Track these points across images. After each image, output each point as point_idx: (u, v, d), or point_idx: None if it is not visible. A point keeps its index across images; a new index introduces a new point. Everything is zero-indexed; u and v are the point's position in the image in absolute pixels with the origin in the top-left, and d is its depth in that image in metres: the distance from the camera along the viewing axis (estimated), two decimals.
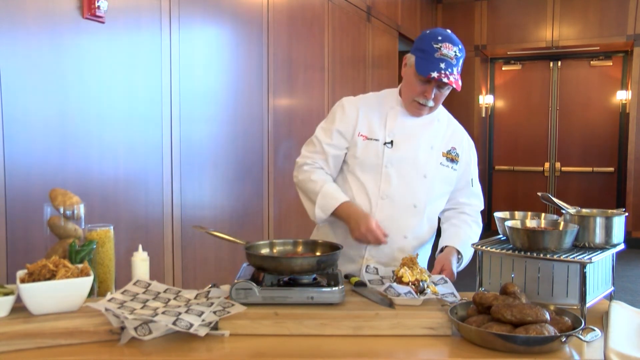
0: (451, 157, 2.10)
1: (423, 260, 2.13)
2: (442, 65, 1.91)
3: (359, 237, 1.97)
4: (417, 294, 1.61)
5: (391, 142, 2.05)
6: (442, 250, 2.05)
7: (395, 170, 2.04)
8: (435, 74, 1.91)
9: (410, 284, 1.65)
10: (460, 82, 1.98)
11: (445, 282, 1.76)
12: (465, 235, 2.07)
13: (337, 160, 2.11)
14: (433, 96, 1.99)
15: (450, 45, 1.94)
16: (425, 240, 2.13)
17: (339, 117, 2.09)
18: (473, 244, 1.70)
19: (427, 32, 2.01)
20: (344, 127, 2.08)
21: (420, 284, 1.67)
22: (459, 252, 2.02)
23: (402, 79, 2.09)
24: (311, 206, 2.07)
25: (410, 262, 1.75)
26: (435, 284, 1.74)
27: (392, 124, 2.06)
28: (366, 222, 1.95)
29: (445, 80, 1.91)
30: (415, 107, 2.04)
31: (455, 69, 1.94)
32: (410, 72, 2.00)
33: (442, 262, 1.97)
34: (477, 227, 2.14)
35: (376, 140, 2.05)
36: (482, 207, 2.21)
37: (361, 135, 2.07)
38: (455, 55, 1.94)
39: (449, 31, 2.02)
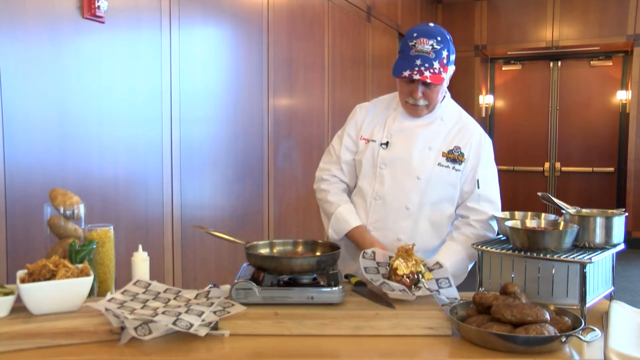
0: (453, 157, 2.01)
1: None
2: (418, 62, 1.88)
3: None
4: (410, 290, 1.59)
5: (387, 143, 2.04)
6: None
7: (388, 171, 2.03)
8: (406, 73, 1.88)
9: (404, 276, 1.63)
10: (442, 75, 1.91)
11: (441, 267, 1.73)
12: (457, 257, 1.95)
13: (351, 165, 2.14)
14: (421, 94, 1.95)
15: (425, 39, 1.89)
16: (430, 247, 2.05)
17: (350, 122, 2.16)
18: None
19: (410, 29, 1.98)
20: (353, 130, 2.13)
21: (415, 276, 1.65)
22: None
23: None
24: (328, 225, 2.13)
25: (405, 253, 1.71)
26: (431, 270, 1.72)
27: (391, 125, 2.07)
28: None
29: (416, 77, 1.87)
30: (409, 108, 2.02)
31: (436, 62, 1.89)
32: None
33: None
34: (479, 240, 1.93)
35: (374, 141, 2.07)
36: (496, 214, 2.00)
37: (363, 138, 2.09)
38: (433, 48, 1.88)
39: (431, 24, 1.98)
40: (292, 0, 4.28)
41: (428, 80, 1.88)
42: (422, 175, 2.00)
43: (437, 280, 1.65)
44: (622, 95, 7.85)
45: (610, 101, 8.00)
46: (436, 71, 1.89)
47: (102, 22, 2.62)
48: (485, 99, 8.36)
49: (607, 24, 7.37)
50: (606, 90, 8.01)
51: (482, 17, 7.99)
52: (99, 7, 2.54)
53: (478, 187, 2.01)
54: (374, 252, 1.80)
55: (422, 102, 1.98)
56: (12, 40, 2.26)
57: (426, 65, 1.88)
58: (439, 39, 1.90)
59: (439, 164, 2.00)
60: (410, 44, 1.91)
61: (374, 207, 2.05)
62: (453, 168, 2.01)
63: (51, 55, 2.41)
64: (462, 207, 2.04)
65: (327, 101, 4.85)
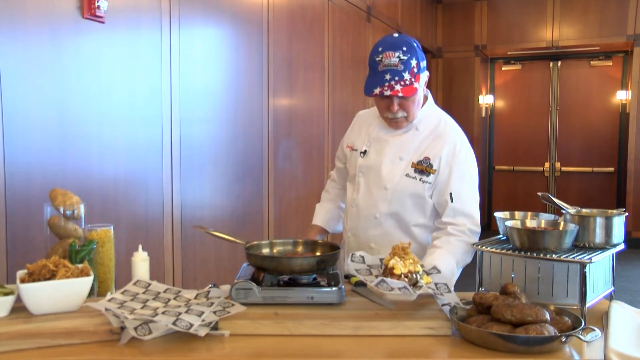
0: (421, 169, 1.96)
1: None
2: (387, 77, 1.86)
3: None
4: (411, 288, 1.52)
5: (365, 152, 2.07)
6: None
7: (363, 179, 2.07)
8: (377, 90, 1.87)
9: (402, 276, 1.56)
10: (415, 85, 1.88)
11: (439, 272, 1.68)
12: (439, 259, 1.83)
13: (342, 173, 2.27)
14: (397, 107, 1.93)
15: (391, 52, 1.87)
16: None
17: (347, 131, 2.25)
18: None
19: (375, 44, 1.95)
20: (345, 140, 2.23)
21: (414, 276, 1.57)
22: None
23: None
24: None
25: (401, 251, 1.63)
26: (428, 274, 1.65)
27: (371, 133, 2.09)
28: None
29: (387, 93, 1.85)
30: (389, 122, 2.01)
31: (405, 73, 1.86)
32: None
33: None
34: (463, 246, 1.89)
35: (356, 150, 2.12)
36: (474, 228, 1.93)
37: (348, 146, 2.17)
38: (400, 59, 1.86)
39: (395, 35, 1.95)
40: (292, 0, 4.28)
41: (400, 94, 1.86)
42: (389, 185, 1.99)
43: (436, 284, 1.60)
44: (622, 95, 7.85)
45: (610, 101, 8.00)
46: (407, 82, 1.86)
47: (102, 22, 2.62)
48: (485, 99, 8.36)
49: (607, 24, 7.37)
50: (606, 90, 8.01)
51: (482, 17, 7.99)
52: (99, 7, 2.54)
53: (452, 201, 1.93)
54: (362, 256, 1.73)
55: (400, 115, 1.96)
56: (12, 40, 2.26)
57: (396, 78, 1.85)
58: (404, 49, 1.87)
59: (407, 175, 1.98)
60: (377, 59, 1.89)
61: (350, 214, 2.11)
62: (420, 180, 1.96)
63: (51, 55, 2.41)
64: (438, 222, 1.98)
65: (327, 101, 4.85)
